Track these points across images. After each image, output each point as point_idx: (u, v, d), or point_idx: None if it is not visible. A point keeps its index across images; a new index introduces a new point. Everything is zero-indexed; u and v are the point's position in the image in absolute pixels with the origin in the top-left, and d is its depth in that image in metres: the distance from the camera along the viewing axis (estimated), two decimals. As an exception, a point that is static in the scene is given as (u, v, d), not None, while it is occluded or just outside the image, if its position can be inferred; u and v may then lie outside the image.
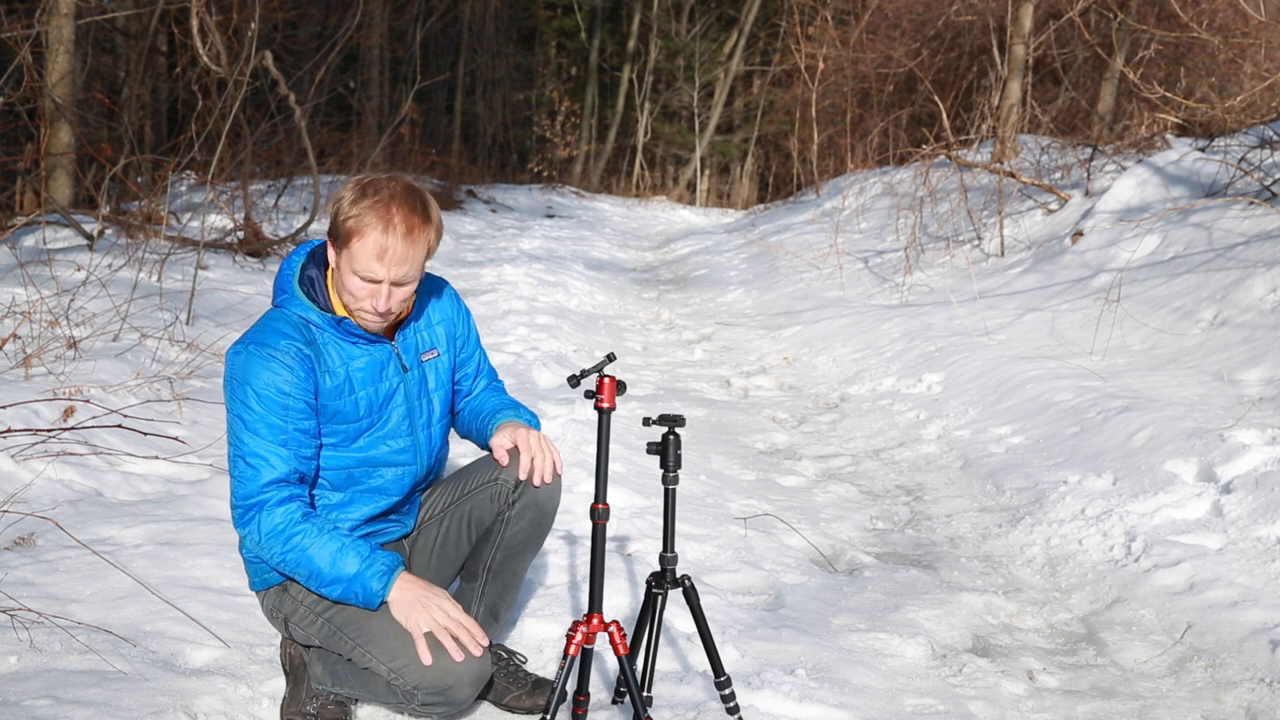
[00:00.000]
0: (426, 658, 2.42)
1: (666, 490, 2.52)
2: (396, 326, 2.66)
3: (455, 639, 2.42)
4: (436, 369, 2.72)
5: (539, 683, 2.77)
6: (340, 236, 2.44)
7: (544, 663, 2.98)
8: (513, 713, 2.74)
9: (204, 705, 2.62)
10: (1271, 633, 3.14)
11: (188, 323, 6.26)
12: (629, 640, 2.51)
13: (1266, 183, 7.03)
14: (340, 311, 2.55)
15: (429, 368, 2.70)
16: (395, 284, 2.46)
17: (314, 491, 2.57)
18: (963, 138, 12.06)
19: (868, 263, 10.17)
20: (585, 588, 3.35)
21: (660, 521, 3.06)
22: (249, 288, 7.71)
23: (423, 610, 2.42)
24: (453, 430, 2.88)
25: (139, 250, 7.27)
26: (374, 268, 2.41)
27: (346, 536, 2.45)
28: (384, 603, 2.45)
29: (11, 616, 2.89)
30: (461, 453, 3.56)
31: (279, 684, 2.76)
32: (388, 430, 2.61)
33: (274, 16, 12.88)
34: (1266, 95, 9.14)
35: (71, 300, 5.76)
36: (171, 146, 11.23)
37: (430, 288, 2.76)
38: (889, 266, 9.79)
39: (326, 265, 2.59)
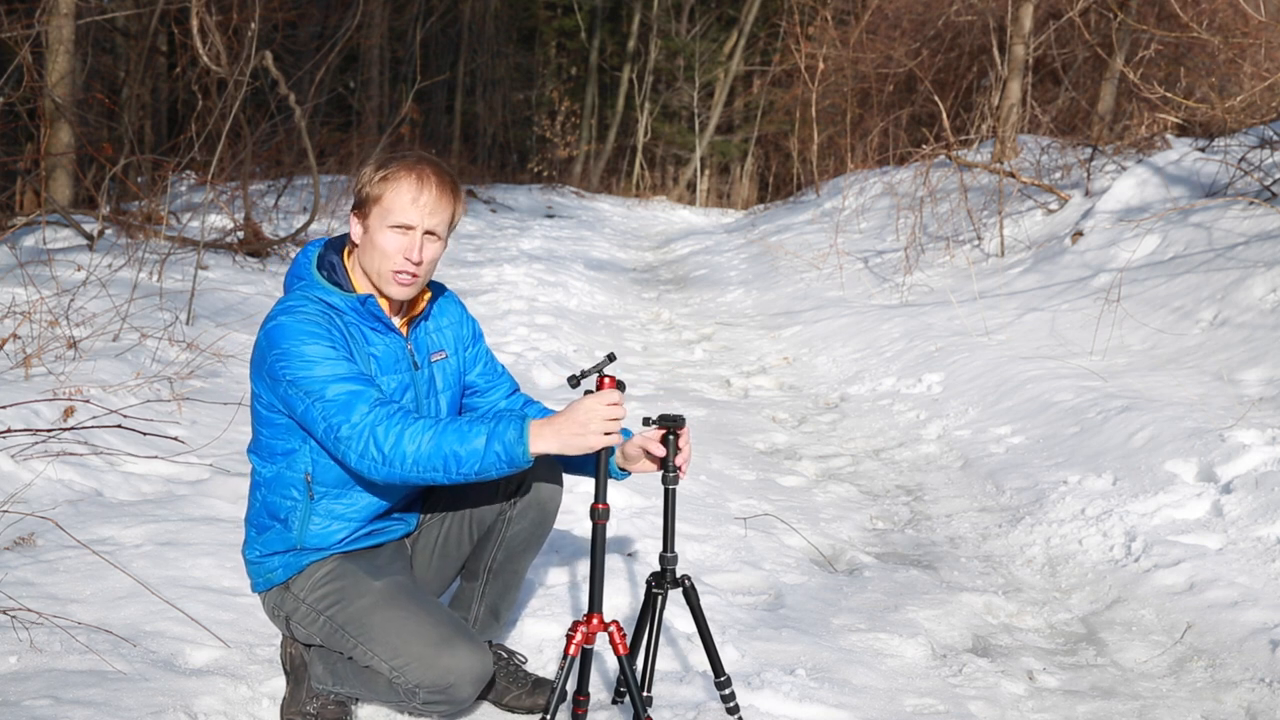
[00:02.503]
0: (434, 656, 2.44)
1: (666, 490, 2.52)
2: (410, 324, 2.66)
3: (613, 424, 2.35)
4: (444, 370, 2.73)
5: (539, 682, 2.77)
6: (370, 199, 2.52)
7: (544, 663, 2.98)
8: (513, 712, 2.74)
9: (204, 705, 2.62)
10: (1271, 633, 3.14)
11: (188, 323, 6.26)
12: (629, 640, 2.51)
13: (1266, 183, 7.03)
14: (361, 292, 2.57)
15: (437, 369, 2.72)
16: (428, 233, 2.53)
17: (317, 489, 2.56)
18: (963, 138, 12.06)
19: (868, 263, 10.17)
20: (585, 588, 3.35)
21: (660, 521, 3.06)
22: (249, 288, 7.71)
23: (572, 436, 2.34)
24: None
25: (139, 250, 7.27)
26: (409, 212, 2.50)
27: (458, 418, 2.44)
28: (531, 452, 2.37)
29: (11, 616, 2.89)
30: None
31: (279, 684, 2.76)
32: None
33: (274, 16, 12.88)
34: (1266, 95, 9.14)
35: (71, 300, 5.76)
36: (171, 146, 11.23)
37: (439, 292, 2.79)
38: (889, 266, 9.79)
39: (343, 254, 2.62)
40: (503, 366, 2.92)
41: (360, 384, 2.43)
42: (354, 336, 2.54)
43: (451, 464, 2.37)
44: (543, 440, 2.36)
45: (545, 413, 2.79)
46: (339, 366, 2.44)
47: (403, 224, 2.50)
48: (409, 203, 2.50)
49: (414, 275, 2.54)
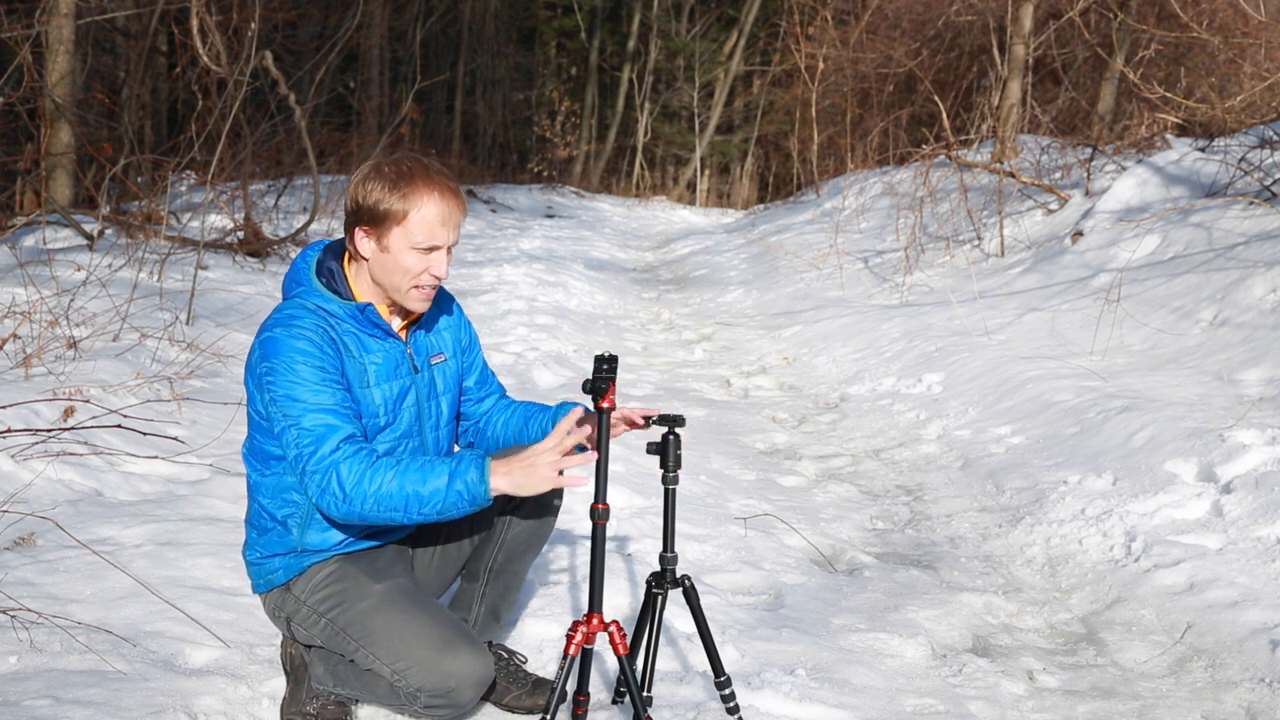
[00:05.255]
0: (433, 659, 2.43)
1: (666, 490, 2.52)
2: (408, 328, 2.66)
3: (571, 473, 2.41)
4: (444, 373, 2.73)
5: (539, 683, 2.77)
6: (388, 218, 2.47)
7: (544, 663, 2.98)
8: (513, 713, 2.74)
9: (204, 705, 2.62)
10: (1271, 633, 3.14)
11: (188, 323, 6.26)
12: (629, 640, 2.51)
13: (1266, 183, 7.03)
14: (361, 299, 2.56)
15: (437, 371, 2.71)
16: (449, 248, 2.54)
17: None
18: (963, 138, 12.06)
19: (868, 263, 10.17)
20: (585, 588, 3.35)
21: (660, 521, 3.06)
22: (249, 288, 7.72)
23: (527, 477, 2.37)
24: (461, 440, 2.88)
25: (139, 250, 7.27)
26: (437, 233, 2.48)
27: (422, 457, 2.44)
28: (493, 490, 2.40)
29: (11, 616, 2.89)
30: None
31: (279, 684, 2.76)
32: (400, 432, 2.60)
33: (274, 16, 12.89)
34: (1266, 95, 9.14)
35: (71, 300, 5.76)
36: (171, 146, 11.23)
37: (438, 294, 2.76)
38: (889, 266, 9.79)
39: (342, 259, 2.60)
40: (492, 372, 2.92)
41: (338, 418, 2.41)
42: (350, 346, 2.52)
43: (413, 503, 2.37)
44: (498, 479, 2.37)
45: (543, 411, 2.79)
46: (322, 395, 2.42)
47: (432, 245, 2.49)
48: (438, 224, 2.48)
49: (433, 290, 2.56)
